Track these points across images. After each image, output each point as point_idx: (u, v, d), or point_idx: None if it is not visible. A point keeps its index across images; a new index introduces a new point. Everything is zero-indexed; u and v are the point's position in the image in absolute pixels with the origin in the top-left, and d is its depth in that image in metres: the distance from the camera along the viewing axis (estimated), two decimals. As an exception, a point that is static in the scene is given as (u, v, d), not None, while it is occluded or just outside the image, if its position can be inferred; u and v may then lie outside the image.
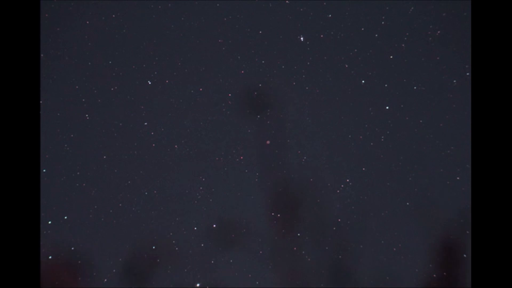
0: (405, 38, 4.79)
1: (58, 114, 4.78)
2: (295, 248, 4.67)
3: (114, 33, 4.83)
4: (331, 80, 4.82)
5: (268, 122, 4.79)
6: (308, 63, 4.83)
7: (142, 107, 4.82)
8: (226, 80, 4.83)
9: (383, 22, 4.80)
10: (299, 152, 4.79)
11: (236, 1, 4.84)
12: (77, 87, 4.80)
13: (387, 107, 4.79)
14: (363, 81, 4.81)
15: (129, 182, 4.77)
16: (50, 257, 4.65)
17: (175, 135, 4.82)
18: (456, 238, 4.60)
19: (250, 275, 4.66)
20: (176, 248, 4.71)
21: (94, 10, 4.82)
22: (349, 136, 4.78)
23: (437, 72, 4.77)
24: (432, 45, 4.77)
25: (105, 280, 4.64)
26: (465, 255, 4.58)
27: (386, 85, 4.80)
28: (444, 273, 4.58)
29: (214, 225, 4.73)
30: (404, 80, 4.79)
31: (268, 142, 4.79)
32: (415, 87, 4.78)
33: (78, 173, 4.75)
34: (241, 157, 4.77)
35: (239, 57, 4.84)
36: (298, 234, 4.70)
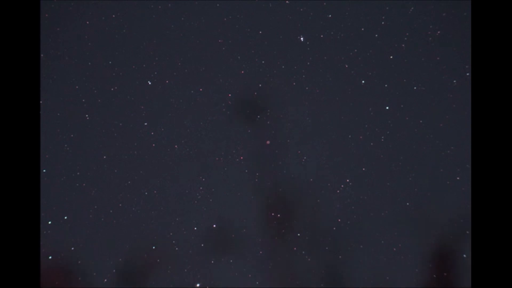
0: (405, 38, 4.79)
1: (58, 114, 4.78)
2: (295, 248, 4.67)
3: (114, 33, 4.83)
4: (331, 80, 4.82)
5: (268, 122, 4.79)
6: (308, 63, 4.83)
7: (142, 107, 4.82)
8: (226, 80, 4.83)
9: (383, 22, 4.81)
10: (299, 152, 4.79)
11: (236, 1, 4.84)
12: (77, 87, 4.80)
13: (387, 107, 4.79)
14: (363, 81, 4.81)
15: (129, 182, 4.77)
16: (50, 257, 4.65)
17: (175, 135, 4.82)
18: (455, 239, 4.60)
19: (250, 275, 4.66)
20: (176, 248, 4.71)
21: (94, 10, 4.82)
22: (349, 136, 4.79)
23: (437, 72, 4.77)
24: (432, 45, 4.77)
25: (105, 280, 4.64)
26: (465, 255, 4.58)
27: (386, 85, 4.80)
28: (444, 273, 4.59)
29: (214, 225, 4.74)
30: (404, 80, 4.79)
31: (268, 142, 4.79)
32: (415, 87, 4.78)
33: (78, 173, 4.75)
34: (241, 157, 4.77)
35: (239, 57, 4.84)
36: (298, 234, 4.70)
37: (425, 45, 4.78)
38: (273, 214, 4.71)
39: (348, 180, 4.76)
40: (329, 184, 4.76)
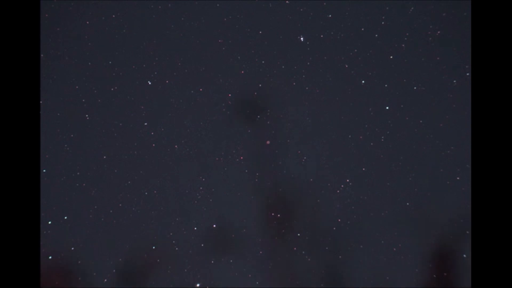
0: (405, 38, 4.79)
1: (58, 114, 4.78)
2: (295, 248, 4.67)
3: (114, 33, 4.83)
4: (331, 80, 4.82)
5: (268, 122, 4.79)
6: (308, 63, 4.83)
7: (142, 107, 4.82)
8: (226, 80, 4.83)
9: (383, 22, 4.81)
10: (299, 152, 4.79)
11: (236, 1, 4.84)
12: (77, 87, 4.80)
13: (387, 107, 4.79)
14: (363, 81, 4.81)
15: (129, 182, 4.77)
16: (50, 257, 4.65)
17: (175, 135, 4.82)
18: (455, 239, 4.60)
19: (250, 275, 4.66)
20: (176, 248, 4.71)
21: (94, 10, 4.82)
22: (349, 136, 4.79)
23: (437, 72, 4.77)
24: (432, 45, 4.77)
25: (105, 280, 4.64)
26: (465, 255, 4.58)
27: (386, 85, 4.80)
28: (444, 273, 4.59)
29: (214, 225, 4.74)
30: (404, 80, 4.79)
31: (268, 142, 4.79)
32: (415, 87, 4.78)
33: (78, 173, 4.75)
34: (241, 157, 4.77)
35: (239, 57, 4.84)
36: (298, 234, 4.70)
37: (425, 45, 4.78)
38: (273, 214, 4.71)
39: (348, 180, 4.76)
40: (329, 184, 4.76)
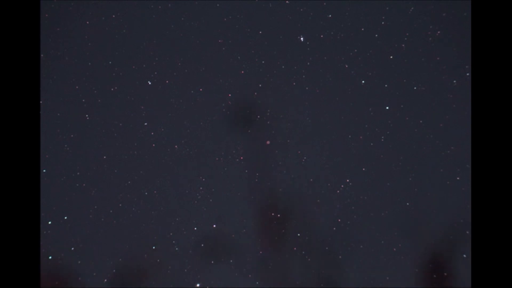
0: (405, 38, 4.79)
1: (58, 114, 4.78)
2: (295, 248, 4.67)
3: (114, 33, 4.83)
4: (331, 80, 4.82)
5: (268, 122, 4.79)
6: (308, 63, 4.83)
7: (142, 107, 4.82)
8: (226, 80, 4.83)
9: (383, 22, 4.80)
10: (299, 152, 4.79)
11: (236, 1, 4.84)
12: (77, 87, 4.80)
13: (387, 107, 4.79)
14: (363, 81, 4.81)
15: (129, 182, 4.77)
16: (50, 257, 4.65)
17: (175, 135, 4.82)
18: (456, 238, 4.60)
19: (250, 275, 4.66)
20: (176, 248, 4.71)
21: (94, 10, 4.82)
22: (349, 136, 4.79)
23: (437, 72, 4.77)
24: (432, 45, 4.77)
25: (105, 280, 4.64)
26: (465, 255, 4.58)
27: (386, 85, 4.80)
28: (445, 273, 4.59)
29: (214, 225, 4.74)
30: (404, 80, 4.79)
31: (268, 142, 4.79)
32: (415, 87, 4.78)
33: (78, 173, 4.75)
34: (241, 157, 4.77)
35: (239, 57, 4.84)
36: (298, 234, 4.70)
37: (425, 45, 4.78)
38: (273, 214, 4.70)
39: (348, 180, 4.76)
40: (329, 184, 4.76)
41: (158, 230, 4.73)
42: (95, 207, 4.74)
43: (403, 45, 4.79)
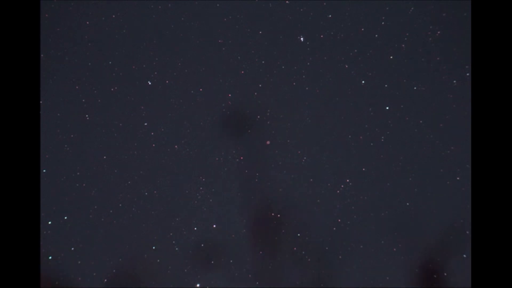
0: (405, 38, 4.79)
1: (58, 114, 4.78)
2: (295, 248, 4.67)
3: (114, 33, 4.83)
4: (331, 80, 4.82)
5: (268, 122, 4.79)
6: (308, 63, 4.83)
7: (142, 107, 4.82)
8: (226, 80, 4.83)
9: (383, 22, 4.80)
10: (299, 152, 4.79)
11: (236, 1, 4.84)
12: (77, 87, 4.80)
13: (387, 107, 4.79)
14: (363, 81, 4.81)
15: (129, 182, 4.77)
16: (50, 257, 4.65)
17: (175, 135, 4.82)
18: (456, 238, 4.60)
19: (250, 275, 4.66)
20: (176, 248, 4.71)
21: (94, 10, 4.82)
22: (349, 136, 4.78)
23: (437, 72, 4.77)
24: (432, 45, 4.77)
25: (105, 280, 4.64)
26: (465, 255, 4.58)
27: (386, 85, 4.80)
28: (445, 273, 4.58)
29: (214, 225, 4.74)
30: (404, 80, 4.79)
31: (268, 142, 4.79)
32: (415, 87, 4.78)
33: (78, 173, 4.75)
34: (241, 157, 4.77)
35: (239, 57, 4.84)
36: (298, 234, 4.70)
37: (425, 45, 4.78)
38: (273, 214, 4.70)
39: (348, 180, 4.76)
40: (329, 184, 4.76)
41: (158, 230, 4.73)
42: (95, 207, 4.74)
43: (403, 45, 4.79)
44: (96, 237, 4.70)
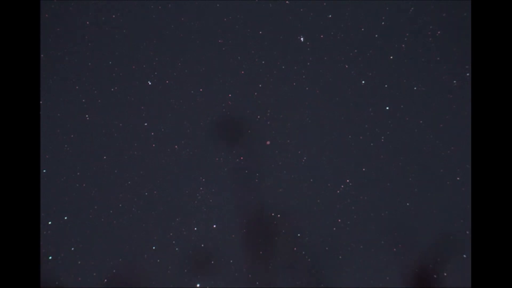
0: (405, 38, 4.79)
1: (58, 114, 4.78)
2: (295, 248, 4.67)
3: (114, 33, 4.83)
4: (331, 80, 4.82)
5: (268, 122, 4.79)
6: (308, 63, 4.83)
7: (142, 107, 4.82)
8: (226, 80, 4.83)
9: (383, 22, 4.80)
10: (299, 152, 4.79)
11: (236, 1, 4.84)
12: (77, 87, 4.80)
13: (387, 108, 4.79)
14: (363, 81, 4.81)
15: (129, 182, 4.77)
16: (50, 257, 4.65)
17: (175, 135, 4.82)
18: (455, 239, 4.60)
19: (250, 275, 4.66)
20: (176, 248, 4.71)
21: (94, 10, 4.82)
22: (349, 136, 4.78)
23: (437, 72, 4.77)
24: (432, 45, 4.77)
25: (105, 280, 4.64)
26: (465, 255, 4.58)
27: (386, 85, 4.80)
28: (445, 274, 4.58)
29: (214, 226, 4.73)
30: (404, 80, 4.79)
31: (268, 142, 4.79)
32: (415, 87, 4.78)
33: (78, 173, 4.75)
34: (241, 157, 4.77)
35: (239, 57, 4.84)
36: (298, 234, 4.70)
37: (425, 45, 4.78)
38: (273, 214, 4.70)
39: (348, 180, 4.76)
40: (329, 184, 4.76)
41: (158, 230, 4.73)
42: (95, 207, 4.74)
43: (403, 45, 4.79)
44: (96, 237, 4.70)
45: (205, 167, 4.79)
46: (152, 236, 4.72)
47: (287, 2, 4.84)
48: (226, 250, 4.69)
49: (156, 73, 4.83)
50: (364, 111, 4.79)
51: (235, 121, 4.79)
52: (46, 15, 4.76)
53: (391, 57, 4.80)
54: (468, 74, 4.73)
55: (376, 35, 4.81)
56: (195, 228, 4.73)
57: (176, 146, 4.81)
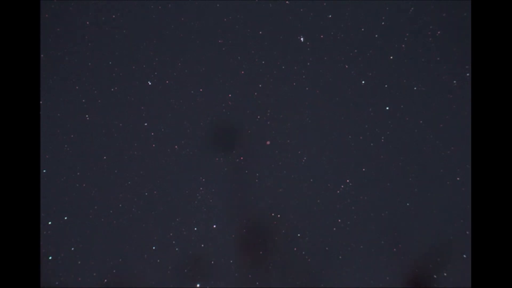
0: (405, 38, 4.79)
1: (58, 114, 4.78)
2: (295, 248, 4.67)
3: (114, 33, 4.83)
4: (331, 80, 4.82)
5: (268, 122, 4.79)
6: (308, 63, 4.83)
7: (142, 107, 4.82)
8: (226, 80, 4.83)
9: (383, 22, 4.81)
10: (299, 152, 4.79)
11: (236, 1, 4.84)
12: (77, 87, 4.80)
13: (387, 108, 4.79)
14: (363, 81, 4.81)
15: (129, 182, 4.77)
16: (50, 257, 4.65)
17: (175, 135, 4.82)
18: (455, 239, 4.60)
19: (250, 275, 4.66)
20: (176, 248, 4.71)
21: (94, 10, 4.82)
22: (349, 136, 4.79)
23: (437, 72, 4.77)
24: (432, 45, 4.77)
25: (105, 280, 4.64)
26: (465, 255, 4.58)
27: (386, 85, 4.80)
28: (445, 274, 4.58)
29: (214, 226, 4.74)
30: (404, 80, 4.79)
31: (268, 142, 4.79)
32: (415, 87, 4.78)
33: (78, 173, 4.75)
34: (241, 157, 4.77)
35: (239, 57, 4.84)
36: (298, 235, 4.70)
37: (425, 45, 4.78)
38: (273, 214, 4.71)
39: (348, 180, 4.76)
40: (329, 184, 4.76)
41: (158, 230, 4.73)
42: (95, 207, 4.74)
43: (403, 45, 4.80)
44: (96, 237, 4.70)
45: (205, 167, 4.79)
46: (152, 236, 4.72)
47: (287, 2, 4.84)
48: (226, 250, 4.69)
49: (156, 73, 4.83)
50: (364, 111, 4.80)
51: (235, 121, 4.79)
52: (46, 15, 4.77)
53: (391, 57, 4.80)
54: (468, 74, 4.73)
55: (376, 35, 4.81)
56: (195, 228, 4.73)
57: (176, 146, 4.81)
